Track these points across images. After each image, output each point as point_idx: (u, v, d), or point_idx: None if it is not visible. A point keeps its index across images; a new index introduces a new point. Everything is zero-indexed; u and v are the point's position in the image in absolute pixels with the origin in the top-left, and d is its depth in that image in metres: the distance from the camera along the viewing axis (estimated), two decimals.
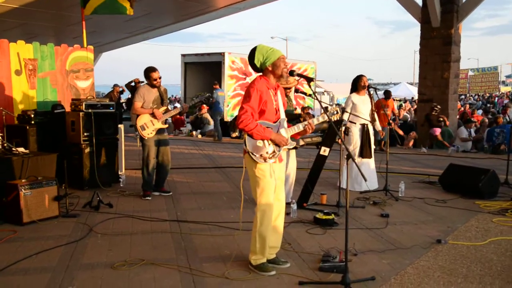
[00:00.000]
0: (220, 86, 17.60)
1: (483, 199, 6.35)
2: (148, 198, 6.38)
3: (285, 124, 3.86)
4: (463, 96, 34.10)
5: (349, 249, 3.76)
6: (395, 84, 47.83)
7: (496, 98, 34.25)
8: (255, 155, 3.70)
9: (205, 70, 18.75)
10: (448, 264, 4.11)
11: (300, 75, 3.90)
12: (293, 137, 3.91)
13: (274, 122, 3.81)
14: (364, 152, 6.73)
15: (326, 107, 3.97)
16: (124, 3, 8.27)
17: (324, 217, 5.22)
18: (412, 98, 31.90)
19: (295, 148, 5.84)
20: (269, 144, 3.74)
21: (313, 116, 5.03)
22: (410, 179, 7.80)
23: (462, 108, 19.21)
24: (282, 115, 3.87)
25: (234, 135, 15.16)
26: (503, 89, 47.13)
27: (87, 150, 6.70)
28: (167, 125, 6.50)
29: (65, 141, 6.91)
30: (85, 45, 8.32)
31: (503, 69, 52.24)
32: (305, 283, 3.67)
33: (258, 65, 3.77)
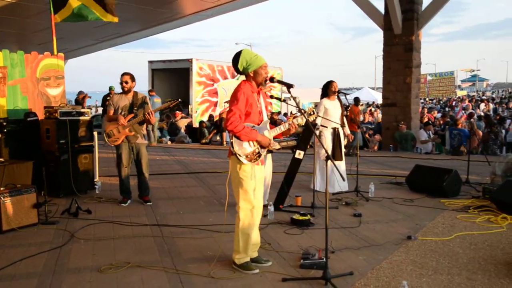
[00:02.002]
0: (188, 92, 17.72)
1: (447, 198, 6.72)
2: (123, 204, 6.41)
3: (268, 125, 4.05)
4: (422, 100, 35.20)
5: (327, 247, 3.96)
6: (357, 89, 48.88)
7: (454, 102, 35.50)
8: (241, 156, 3.87)
9: (172, 77, 18.80)
10: (419, 259, 4.38)
11: (280, 82, 4.10)
12: (276, 137, 4.10)
13: (258, 124, 4.00)
14: (336, 154, 6.99)
15: (303, 109, 4.17)
16: (97, 10, 8.19)
17: (301, 218, 5.43)
18: (374, 102, 32.78)
19: (270, 152, 6.03)
20: (254, 145, 3.93)
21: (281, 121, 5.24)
22: (378, 181, 8.12)
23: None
24: (265, 117, 4.07)
25: (203, 141, 15.27)
26: (459, 93, 48.95)
27: (63, 157, 6.69)
28: (132, 133, 6.26)
29: (38, 149, 6.88)
30: (55, 52, 8.27)
31: (458, 73, 54.28)
32: (288, 280, 3.86)
33: (241, 69, 3.95)
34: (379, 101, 31.30)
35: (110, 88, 14.70)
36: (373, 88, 44.99)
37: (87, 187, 7.07)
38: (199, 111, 18.06)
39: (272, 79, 4.02)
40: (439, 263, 4.26)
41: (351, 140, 7.93)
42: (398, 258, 4.40)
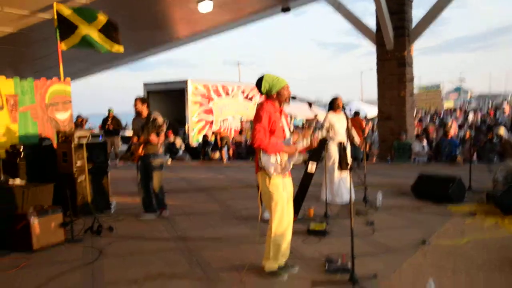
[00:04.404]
0: (185, 112, 18.00)
1: (453, 204, 6.98)
2: (141, 218, 6.73)
3: (291, 142, 4.30)
4: None
5: (348, 253, 4.21)
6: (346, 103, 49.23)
7: (442, 114, 36.08)
8: (270, 170, 4.10)
9: (168, 98, 19.04)
10: (437, 261, 4.63)
11: (301, 100, 4.37)
12: (300, 152, 4.35)
13: (282, 141, 4.24)
14: (342, 166, 7.24)
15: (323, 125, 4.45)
16: (105, 43, 8.48)
17: (317, 226, 5.67)
18: (366, 116, 33.20)
19: None
20: (281, 159, 4.16)
21: None
22: (382, 190, 8.34)
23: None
24: (288, 134, 4.32)
25: (202, 159, 15.48)
26: (447, 104, 49.70)
27: (80, 179, 6.86)
28: (142, 152, 6.62)
29: (54, 172, 7.02)
30: (62, 78, 8.47)
31: (445, 85, 55.13)
32: (317, 284, 4.07)
33: (264, 92, 4.23)
34: (370, 114, 31.76)
35: (109, 110, 14.89)
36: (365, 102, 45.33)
37: (103, 207, 7.22)
38: (195, 130, 18.30)
39: (294, 97, 4.29)
40: (456, 265, 4.50)
41: (362, 150, 8.15)
42: (416, 261, 4.64)
